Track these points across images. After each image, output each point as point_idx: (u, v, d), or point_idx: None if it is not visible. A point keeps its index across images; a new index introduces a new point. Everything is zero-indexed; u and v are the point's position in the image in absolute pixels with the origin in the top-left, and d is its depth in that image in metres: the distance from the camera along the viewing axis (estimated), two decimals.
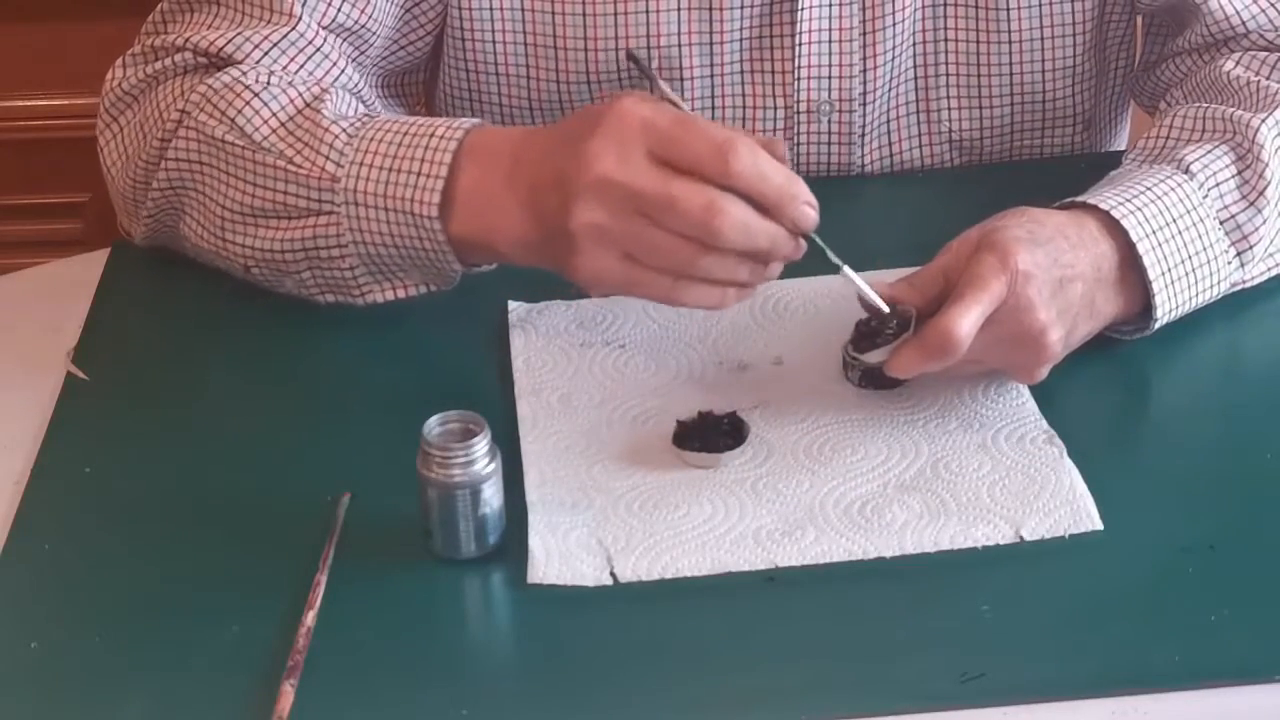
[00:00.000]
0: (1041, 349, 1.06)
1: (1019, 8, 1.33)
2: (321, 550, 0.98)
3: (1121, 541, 0.98)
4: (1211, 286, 1.14)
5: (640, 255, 1.04)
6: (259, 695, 0.89)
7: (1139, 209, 1.11)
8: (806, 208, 1.03)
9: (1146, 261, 1.10)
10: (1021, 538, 0.98)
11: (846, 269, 1.06)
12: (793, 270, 1.18)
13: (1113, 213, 1.10)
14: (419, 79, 1.38)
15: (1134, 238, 1.10)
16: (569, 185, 1.04)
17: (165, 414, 1.13)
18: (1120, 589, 0.95)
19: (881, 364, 1.06)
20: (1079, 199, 1.13)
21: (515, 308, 1.19)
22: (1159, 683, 0.89)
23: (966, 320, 1.02)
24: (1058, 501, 1.00)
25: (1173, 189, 1.13)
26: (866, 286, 1.07)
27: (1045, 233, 1.07)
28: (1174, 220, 1.11)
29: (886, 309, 1.06)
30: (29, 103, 2.26)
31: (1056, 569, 0.97)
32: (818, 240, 1.05)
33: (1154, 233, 1.10)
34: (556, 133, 1.09)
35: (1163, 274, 1.11)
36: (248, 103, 1.17)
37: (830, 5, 1.30)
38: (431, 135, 1.11)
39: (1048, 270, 1.05)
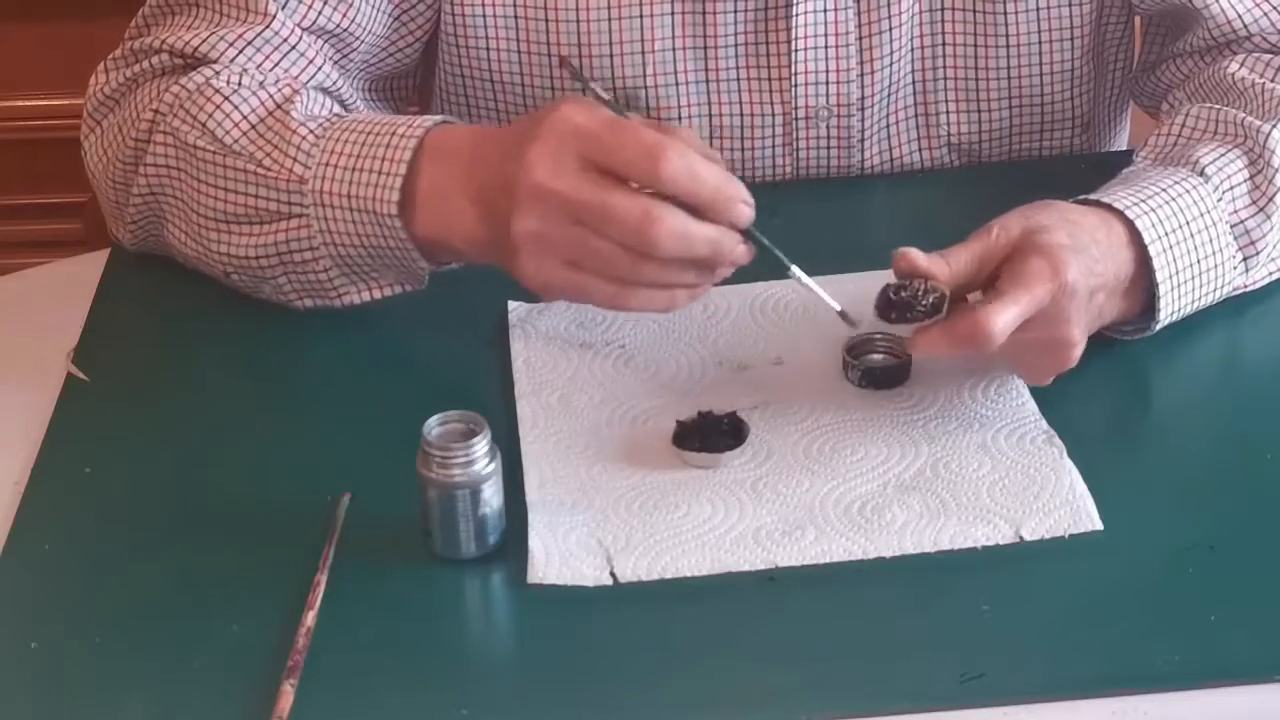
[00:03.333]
0: (1066, 360, 1.05)
1: (1017, 12, 1.33)
2: (321, 550, 0.98)
3: (1121, 541, 0.98)
4: (1215, 290, 1.13)
5: (582, 262, 1.04)
6: (259, 695, 0.89)
7: (1153, 210, 1.10)
8: (743, 206, 1.03)
9: (1156, 264, 1.09)
10: (1021, 538, 0.98)
11: (795, 269, 1.06)
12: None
13: (1127, 213, 1.09)
14: (410, 83, 1.38)
15: (1146, 240, 1.09)
16: (511, 191, 1.04)
17: (165, 414, 1.13)
18: (1120, 589, 0.95)
19: (893, 345, 1.07)
20: (1094, 197, 1.12)
21: (515, 308, 1.19)
22: (1159, 683, 0.89)
23: (1004, 319, 1.01)
24: (1058, 501, 1.00)
25: (1187, 190, 1.12)
26: (817, 287, 1.06)
27: (1083, 238, 1.06)
28: (1187, 223, 1.11)
29: (838, 307, 1.06)
30: (29, 103, 2.26)
31: (1056, 569, 0.97)
32: (764, 240, 1.04)
33: (1166, 235, 1.10)
34: (509, 133, 1.09)
35: (1170, 276, 1.10)
36: (218, 106, 1.17)
37: (826, 11, 1.30)
38: (393, 134, 1.11)
39: (1086, 281, 1.04)
